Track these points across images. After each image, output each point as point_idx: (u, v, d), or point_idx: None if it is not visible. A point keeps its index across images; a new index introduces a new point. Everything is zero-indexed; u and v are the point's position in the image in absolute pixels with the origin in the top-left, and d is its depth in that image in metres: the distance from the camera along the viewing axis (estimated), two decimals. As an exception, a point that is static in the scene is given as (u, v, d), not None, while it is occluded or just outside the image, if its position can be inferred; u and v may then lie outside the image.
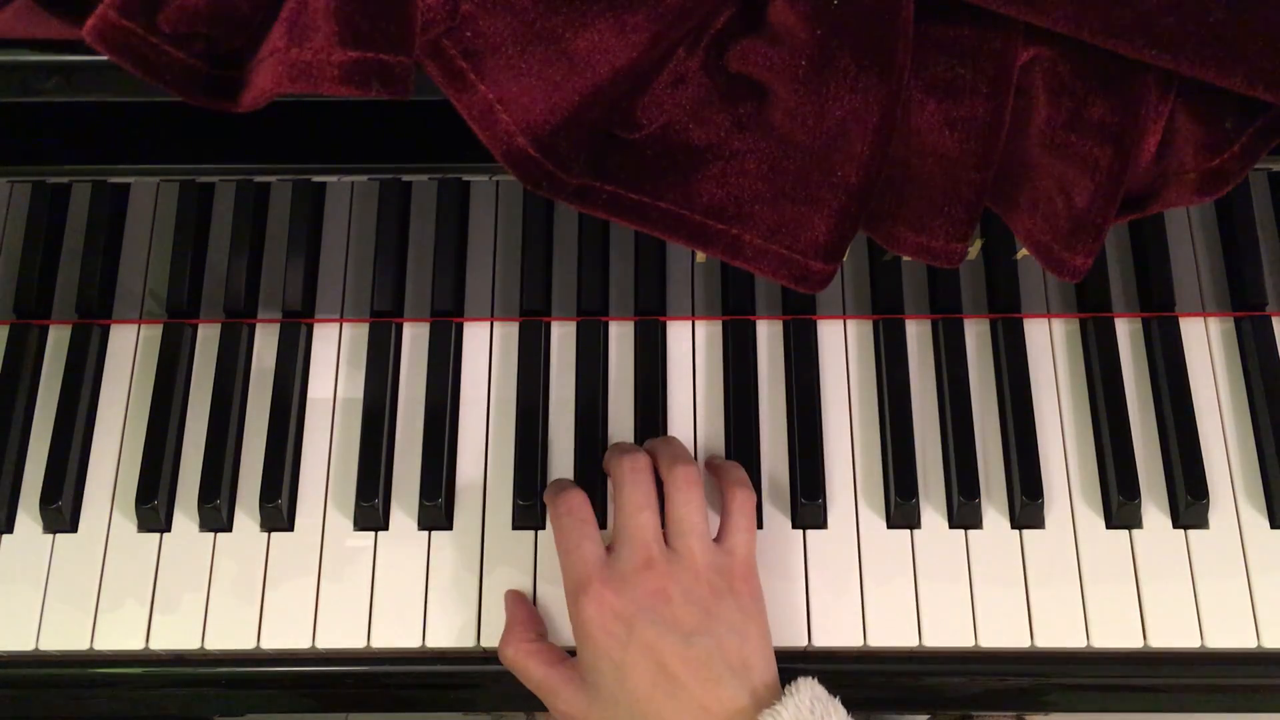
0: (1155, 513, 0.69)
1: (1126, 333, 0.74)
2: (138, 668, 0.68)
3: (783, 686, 0.59)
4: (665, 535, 0.64)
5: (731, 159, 0.54)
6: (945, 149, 0.52)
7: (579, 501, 0.65)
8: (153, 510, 0.69)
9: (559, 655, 0.63)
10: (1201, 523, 0.69)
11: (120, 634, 0.67)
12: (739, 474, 0.68)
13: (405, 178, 0.69)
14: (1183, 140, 0.52)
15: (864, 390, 0.73)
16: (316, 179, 0.69)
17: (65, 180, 0.69)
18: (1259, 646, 0.66)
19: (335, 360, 0.74)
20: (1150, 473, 0.70)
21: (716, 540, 0.64)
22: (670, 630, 0.59)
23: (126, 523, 0.70)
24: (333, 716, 0.75)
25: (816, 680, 0.59)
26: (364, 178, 0.69)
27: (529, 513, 0.69)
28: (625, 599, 0.60)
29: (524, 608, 0.67)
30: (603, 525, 0.69)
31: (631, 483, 0.65)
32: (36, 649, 0.67)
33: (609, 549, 0.64)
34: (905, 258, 0.67)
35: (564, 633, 0.67)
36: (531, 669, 0.63)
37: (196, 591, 0.68)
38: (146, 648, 0.67)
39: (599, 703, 0.60)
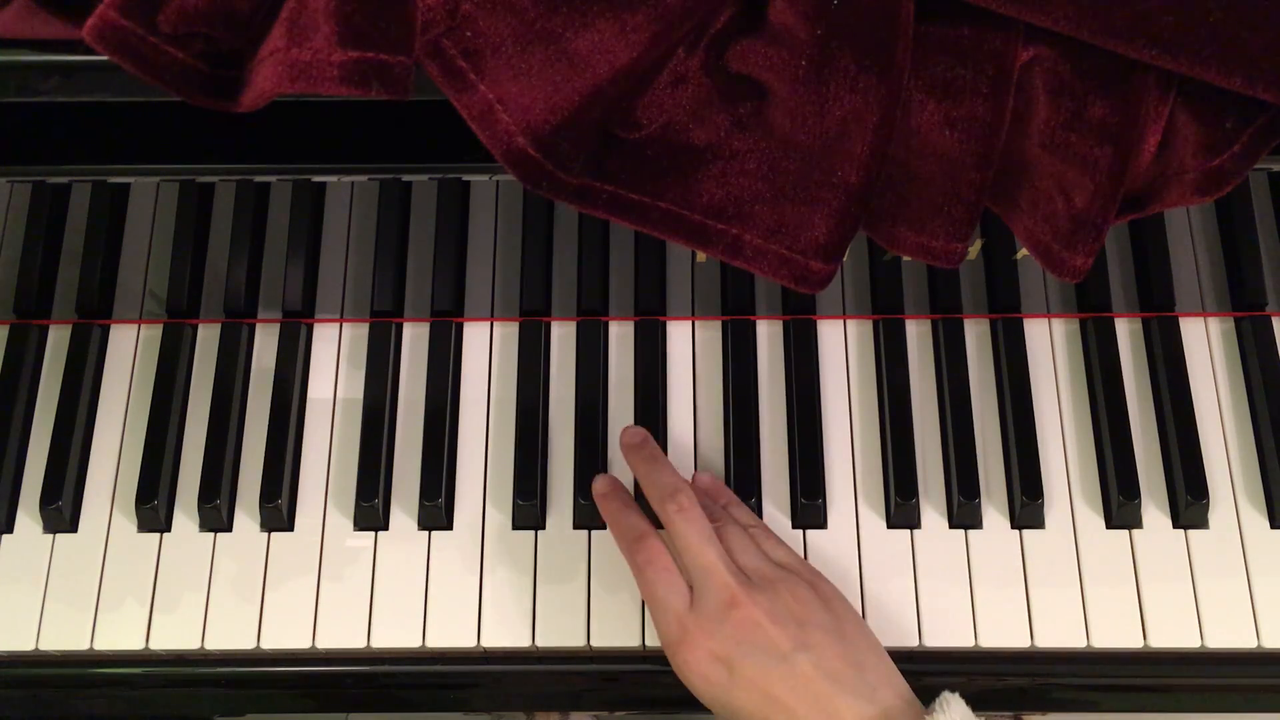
0: (1155, 513, 0.69)
1: (1126, 333, 0.74)
2: (138, 668, 0.68)
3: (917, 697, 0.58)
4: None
5: (731, 159, 0.54)
6: (945, 149, 0.52)
7: (658, 549, 0.63)
8: (153, 510, 0.69)
9: None
10: (1201, 523, 0.69)
11: (120, 634, 0.68)
12: (739, 516, 0.67)
13: (405, 178, 0.69)
14: (1183, 140, 0.52)
15: (864, 390, 0.73)
16: (316, 179, 0.69)
17: (65, 180, 0.69)
18: (1259, 646, 0.66)
19: (335, 360, 0.74)
20: (1150, 473, 0.70)
21: None
22: (769, 656, 0.58)
23: (126, 523, 0.70)
24: (333, 716, 0.75)
25: (960, 695, 0.56)
26: (364, 178, 0.69)
27: (529, 513, 0.69)
28: (718, 639, 0.59)
29: None
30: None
31: (687, 522, 0.63)
32: (36, 649, 0.67)
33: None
34: (905, 258, 0.67)
35: (563, 632, 0.67)
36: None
37: (196, 591, 0.68)
38: (146, 648, 0.67)
39: None
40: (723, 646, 0.59)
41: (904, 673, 0.67)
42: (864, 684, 0.57)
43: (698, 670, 0.59)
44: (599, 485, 0.68)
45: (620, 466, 0.71)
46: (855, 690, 0.56)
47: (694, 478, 0.70)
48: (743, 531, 0.65)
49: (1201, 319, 0.74)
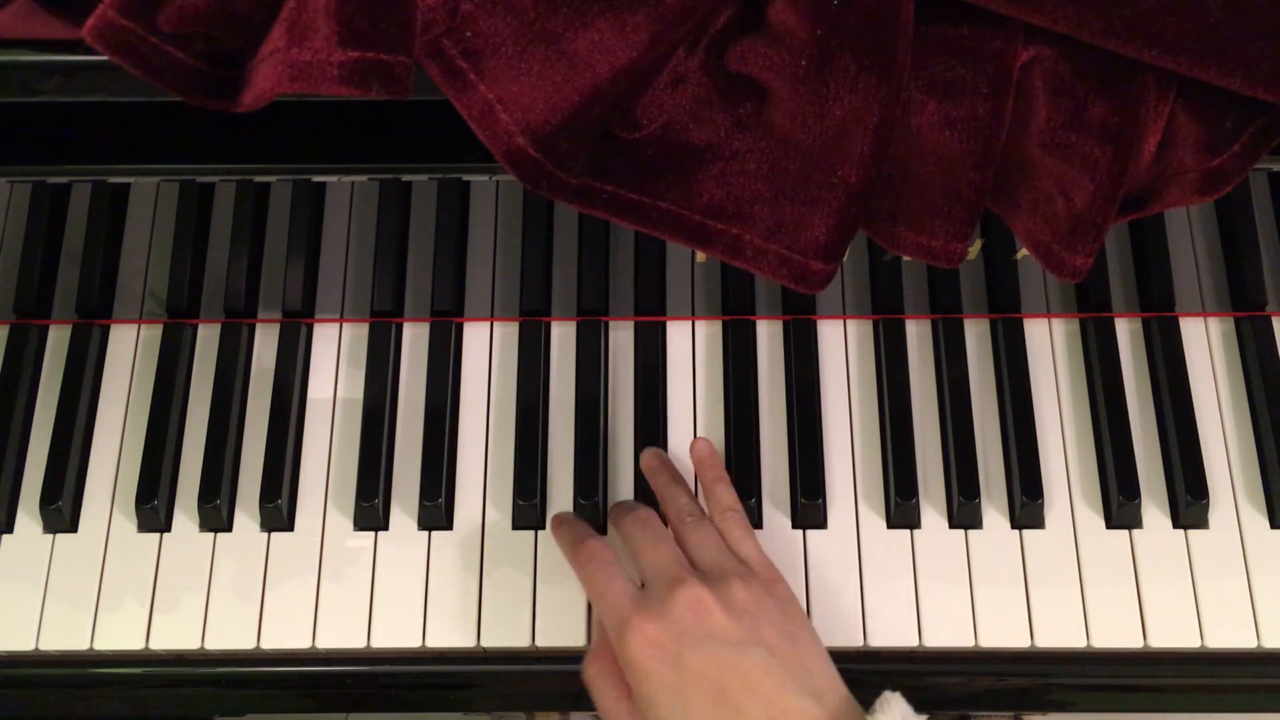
0: (1155, 513, 0.69)
1: (1126, 333, 0.74)
2: (138, 668, 0.68)
3: (856, 697, 0.58)
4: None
5: (731, 159, 0.54)
6: (945, 149, 0.52)
7: (597, 545, 0.64)
8: (153, 510, 0.69)
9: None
10: (1201, 523, 0.69)
11: (120, 634, 0.68)
12: (721, 493, 0.67)
13: (405, 178, 0.69)
14: (1183, 140, 0.52)
15: (864, 390, 0.73)
16: (316, 179, 0.69)
17: (65, 180, 0.69)
18: (1259, 646, 0.66)
19: (335, 360, 0.74)
20: (1150, 473, 0.70)
21: None
22: (719, 645, 0.57)
23: (126, 523, 0.70)
24: (333, 716, 0.75)
25: (902, 695, 0.56)
26: (364, 178, 0.69)
27: (529, 513, 0.69)
28: (665, 624, 0.58)
29: None
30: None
31: (639, 526, 0.64)
32: (36, 649, 0.67)
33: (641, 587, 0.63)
34: (905, 258, 0.67)
35: (563, 632, 0.67)
36: (604, 693, 0.61)
37: (196, 591, 0.68)
38: (146, 648, 0.67)
39: None
40: (670, 632, 0.57)
41: (903, 673, 0.68)
42: (811, 686, 0.57)
43: (645, 654, 0.57)
44: (554, 519, 0.68)
45: (619, 466, 0.71)
46: (804, 691, 0.56)
47: (692, 444, 0.70)
48: (707, 528, 0.64)
49: (1201, 319, 0.74)
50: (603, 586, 0.61)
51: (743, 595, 0.59)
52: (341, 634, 0.67)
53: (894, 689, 0.66)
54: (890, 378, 0.72)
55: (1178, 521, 0.69)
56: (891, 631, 0.67)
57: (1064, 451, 0.71)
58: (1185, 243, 0.73)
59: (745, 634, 0.57)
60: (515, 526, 0.70)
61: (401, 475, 0.71)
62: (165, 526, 0.70)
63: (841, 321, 0.75)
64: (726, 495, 0.67)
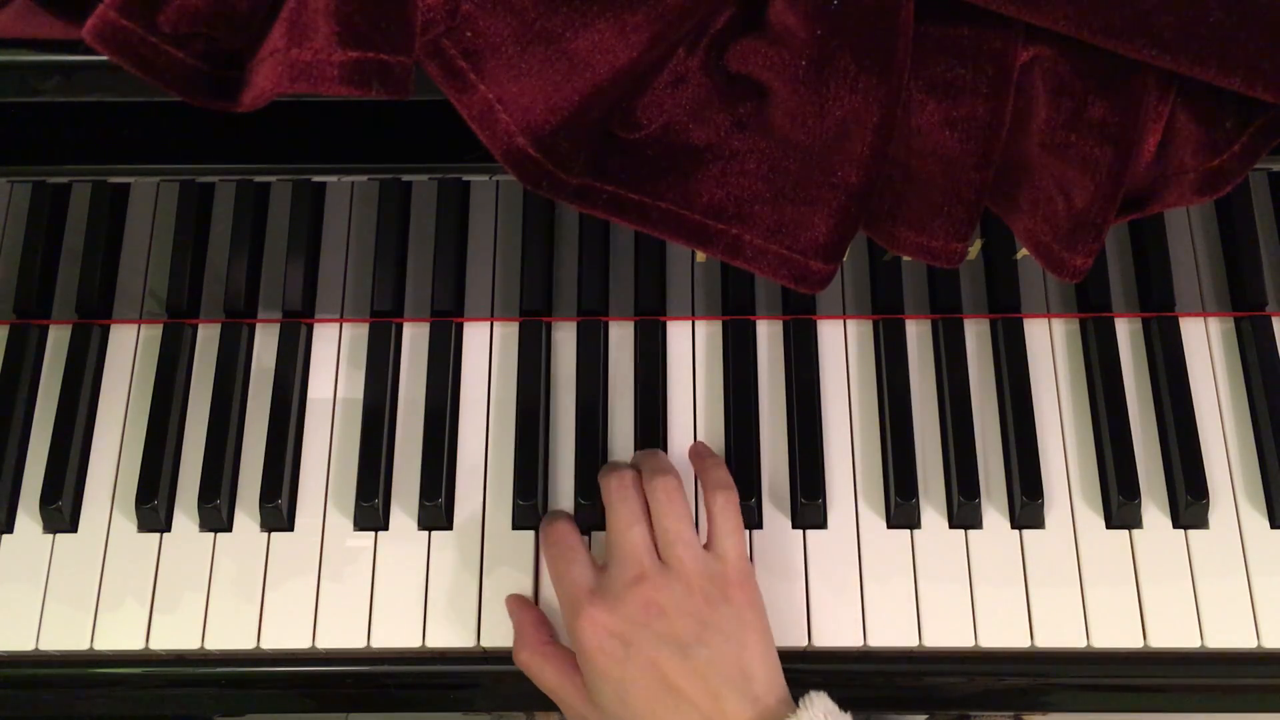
0: (1155, 513, 0.69)
1: (1126, 333, 0.74)
2: (138, 668, 0.68)
3: (794, 698, 0.59)
4: (656, 549, 0.63)
5: (731, 159, 0.54)
6: (945, 149, 0.52)
7: (564, 528, 0.66)
8: (153, 510, 0.69)
9: (573, 662, 0.63)
10: (1201, 523, 0.69)
11: (120, 634, 0.68)
12: (718, 474, 0.66)
13: (405, 178, 0.69)
14: (1183, 140, 0.52)
15: (864, 390, 0.73)
16: (316, 179, 0.69)
17: (65, 180, 0.69)
18: (1259, 646, 0.66)
19: (335, 360, 0.74)
20: (1150, 473, 0.70)
21: (706, 547, 0.64)
22: (667, 643, 0.59)
23: (126, 523, 0.70)
24: (333, 716, 0.75)
25: (827, 694, 0.58)
26: (364, 178, 0.69)
27: (529, 513, 0.69)
28: (619, 616, 0.60)
29: (530, 610, 0.66)
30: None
31: (619, 500, 0.65)
32: (36, 649, 0.67)
33: (603, 569, 0.64)
34: (905, 258, 0.67)
35: (564, 632, 0.67)
36: (547, 674, 0.63)
37: (196, 591, 0.68)
38: (146, 648, 0.67)
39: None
40: (621, 625, 0.60)
41: (904, 673, 0.67)
42: (749, 691, 0.59)
43: (595, 642, 0.60)
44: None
45: (620, 466, 0.71)
46: (742, 696, 0.58)
47: (690, 448, 0.70)
48: (681, 512, 0.64)
49: (1201, 319, 0.74)
50: (562, 570, 0.64)
51: (700, 600, 0.61)
52: (341, 634, 0.67)
53: (894, 689, 0.66)
54: (890, 378, 0.72)
55: (1178, 521, 0.69)
56: (891, 631, 0.67)
57: (1064, 451, 0.71)
58: (1185, 243, 0.73)
59: (692, 637, 0.59)
60: (515, 526, 0.70)
61: (401, 475, 0.71)
62: (165, 526, 0.70)
63: (841, 321, 0.75)
64: (723, 475, 0.66)
